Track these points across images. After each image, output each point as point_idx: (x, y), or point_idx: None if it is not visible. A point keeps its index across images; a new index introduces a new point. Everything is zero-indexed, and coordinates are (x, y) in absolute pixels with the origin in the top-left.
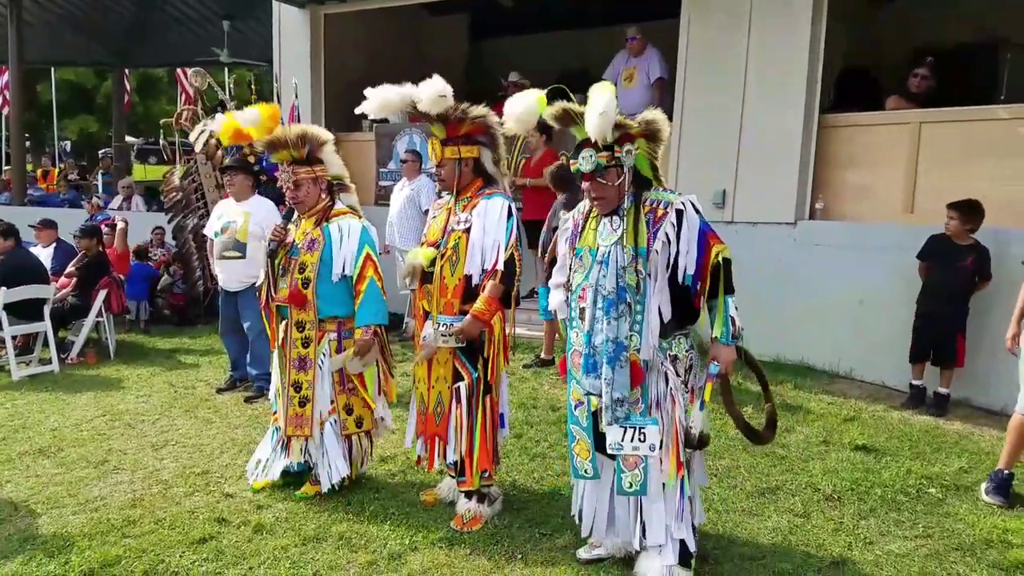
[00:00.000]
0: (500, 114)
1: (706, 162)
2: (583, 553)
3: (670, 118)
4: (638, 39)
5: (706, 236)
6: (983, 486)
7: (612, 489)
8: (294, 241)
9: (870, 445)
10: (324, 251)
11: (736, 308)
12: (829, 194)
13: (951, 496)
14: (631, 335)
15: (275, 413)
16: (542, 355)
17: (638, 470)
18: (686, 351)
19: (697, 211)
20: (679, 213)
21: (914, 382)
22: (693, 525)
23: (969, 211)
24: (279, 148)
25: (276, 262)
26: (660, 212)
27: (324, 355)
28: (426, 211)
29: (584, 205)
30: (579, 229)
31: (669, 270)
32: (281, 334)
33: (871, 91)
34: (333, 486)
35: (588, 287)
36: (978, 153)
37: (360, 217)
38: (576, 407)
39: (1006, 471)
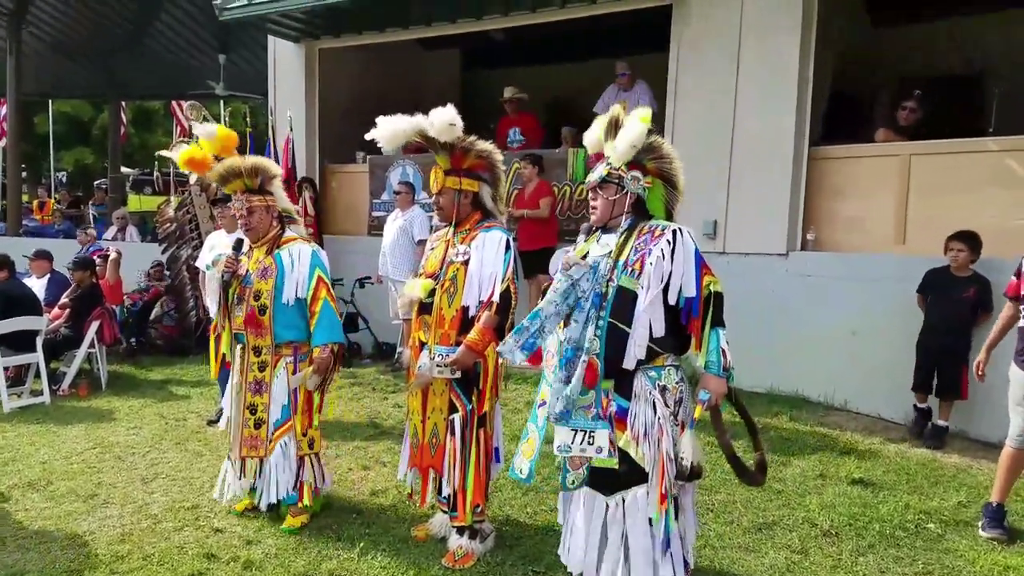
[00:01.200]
0: (503, 133)
1: (697, 193)
2: None
3: None
4: (628, 75)
5: (701, 264)
6: (980, 522)
7: (604, 524)
8: (247, 271)
9: (867, 479)
10: (277, 278)
11: (727, 343)
12: (820, 225)
13: (950, 531)
14: (594, 339)
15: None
16: None
17: (581, 470)
18: (676, 382)
19: (693, 239)
20: (675, 233)
21: (919, 405)
22: (685, 562)
23: (974, 242)
24: (233, 178)
25: (231, 292)
26: (657, 233)
27: (278, 376)
28: (419, 241)
29: (581, 235)
30: (580, 243)
31: (662, 286)
32: (237, 360)
33: (860, 121)
34: (272, 504)
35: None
36: (968, 185)
37: (309, 243)
38: (540, 406)
39: (995, 503)
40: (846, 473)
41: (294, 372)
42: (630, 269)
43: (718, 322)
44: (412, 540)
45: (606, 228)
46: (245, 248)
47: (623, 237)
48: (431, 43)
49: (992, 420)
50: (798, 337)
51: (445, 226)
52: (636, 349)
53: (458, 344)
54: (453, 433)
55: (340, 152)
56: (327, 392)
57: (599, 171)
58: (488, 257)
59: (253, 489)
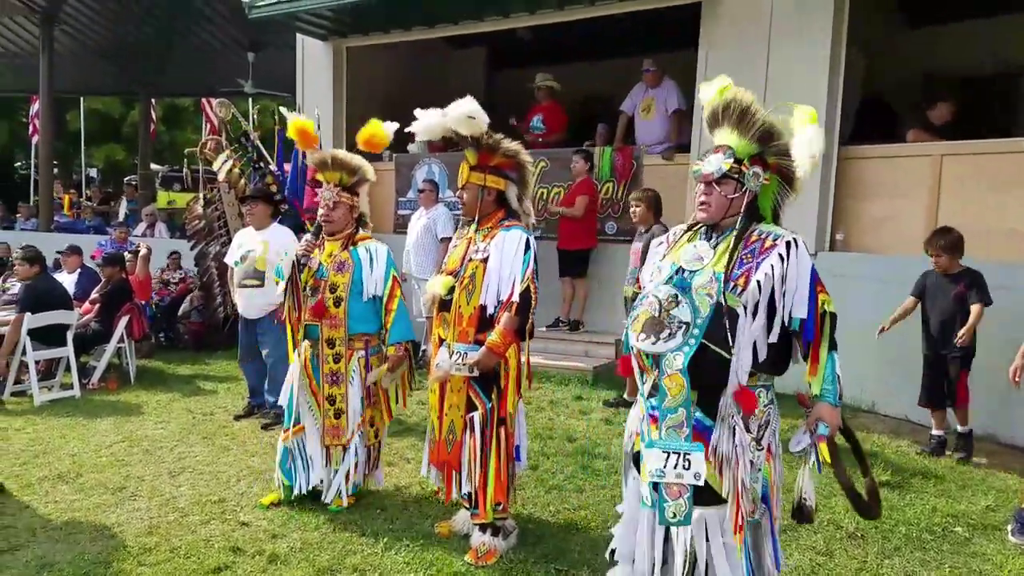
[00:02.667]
0: (528, 119)
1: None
2: None
3: (688, 149)
4: (653, 71)
5: (816, 281)
6: (1009, 526)
7: (667, 531)
8: (320, 263)
9: (894, 482)
10: (355, 272)
11: (840, 367)
12: (850, 226)
13: (978, 535)
14: (676, 355)
15: (287, 431)
16: (626, 395)
17: (682, 500)
18: (764, 405)
19: (808, 252)
20: (788, 245)
21: (934, 432)
22: None
23: (952, 248)
24: (336, 169)
25: (304, 281)
26: (768, 244)
27: (354, 371)
28: (443, 239)
29: (679, 229)
30: (674, 242)
31: (767, 306)
32: (307, 352)
33: (890, 121)
34: (352, 490)
35: (656, 294)
36: (1000, 186)
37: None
38: (642, 421)
39: None
40: (874, 475)
41: (366, 365)
42: (732, 284)
43: (833, 346)
44: (435, 536)
45: (709, 229)
46: (320, 238)
47: (728, 243)
48: (458, 42)
49: (1019, 423)
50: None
51: (469, 223)
52: (740, 375)
53: (477, 343)
54: (472, 431)
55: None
56: (406, 386)
57: (718, 163)
58: (507, 256)
59: (288, 485)
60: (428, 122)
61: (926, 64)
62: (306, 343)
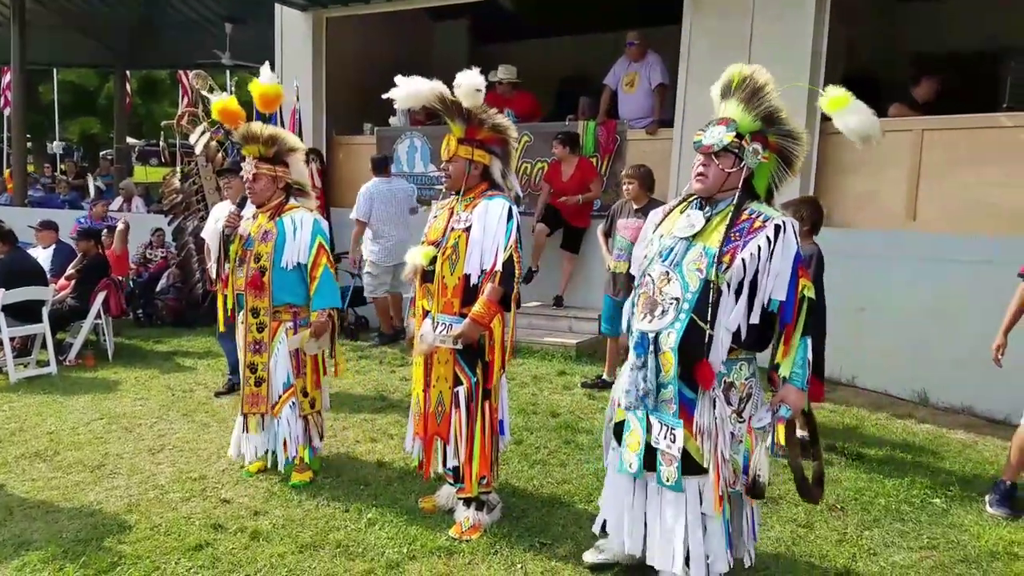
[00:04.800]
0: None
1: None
2: (589, 556)
3: (671, 124)
4: (637, 44)
5: (799, 265)
6: (987, 497)
7: (646, 497)
8: (249, 233)
9: (873, 454)
10: (277, 240)
11: (810, 352)
12: (831, 201)
13: (956, 507)
14: (669, 332)
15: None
16: (604, 375)
17: (674, 467)
18: (745, 379)
19: (797, 237)
20: (777, 228)
21: None
22: (746, 558)
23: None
24: (250, 142)
25: (232, 252)
26: (757, 224)
27: (280, 342)
28: (412, 209)
29: (673, 202)
30: (667, 214)
31: (750, 285)
32: (241, 322)
33: (873, 97)
34: (289, 460)
35: (650, 273)
36: (981, 161)
37: (311, 211)
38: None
39: (1008, 482)
40: (852, 448)
41: (294, 336)
42: (719, 261)
43: (807, 331)
44: (419, 511)
45: (702, 201)
46: (253, 212)
47: (721, 217)
48: (439, 13)
49: (997, 396)
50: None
51: (453, 194)
52: (719, 351)
53: (461, 314)
54: (458, 405)
55: (347, 123)
56: (336, 356)
57: (719, 135)
58: (490, 225)
59: (267, 452)
60: (416, 89)
61: (911, 40)
62: (242, 311)
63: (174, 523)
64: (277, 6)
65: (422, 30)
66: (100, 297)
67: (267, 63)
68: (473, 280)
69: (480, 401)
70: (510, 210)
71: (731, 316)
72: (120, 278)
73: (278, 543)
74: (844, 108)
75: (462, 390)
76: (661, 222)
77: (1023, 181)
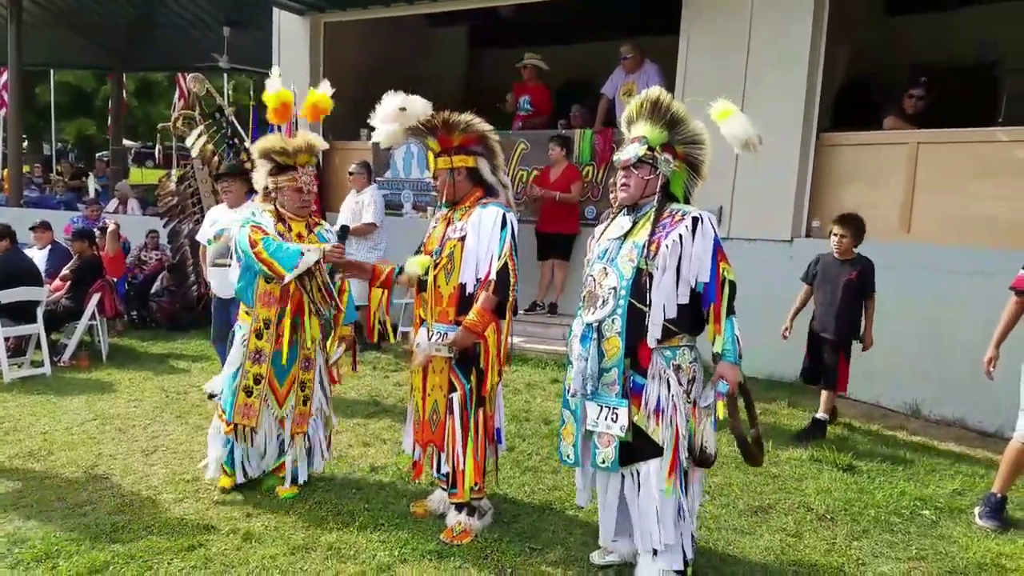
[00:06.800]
0: (515, 99)
1: (706, 178)
2: (596, 558)
3: None
4: (630, 57)
5: (719, 252)
6: (976, 510)
7: (621, 493)
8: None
9: (864, 465)
10: None
11: (739, 329)
12: (826, 213)
13: (945, 518)
14: (613, 318)
15: (230, 422)
16: None
17: (610, 448)
18: (689, 362)
19: (714, 227)
20: (695, 220)
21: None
22: (692, 535)
23: (857, 227)
24: (308, 152)
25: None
26: (677, 218)
27: (317, 355)
28: (368, 224)
29: (605, 216)
30: (603, 229)
31: (675, 269)
32: (282, 336)
33: (870, 109)
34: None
35: (592, 274)
36: (976, 175)
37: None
38: (569, 390)
39: (999, 495)
40: (843, 459)
41: (323, 348)
42: (646, 251)
43: (731, 311)
44: (411, 516)
45: (629, 208)
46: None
47: (646, 218)
48: (438, 20)
49: (989, 409)
50: (799, 324)
51: (447, 206)
52: (653, 329)
53: (457, 323)
54: (451, 412)
55: (344, 128)
56: (336, 365)
57: (634, 150)
58: (484, 234)
59: (231, 464)
60: (390, 130)
61: (908, 54)
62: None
63: (167, 524)
64: (275, 10)
65: (420, 35)
66: (95, 298)
67: (275, 67)
68: (469, 289)
69: (474, 408)
70: (504, 218)
71: (663, 294)
72: (115, 280)
73: (270, 544)
74: (728, 117)
75: (456, 397)
76: (599, 236)
77: (1018, 194)
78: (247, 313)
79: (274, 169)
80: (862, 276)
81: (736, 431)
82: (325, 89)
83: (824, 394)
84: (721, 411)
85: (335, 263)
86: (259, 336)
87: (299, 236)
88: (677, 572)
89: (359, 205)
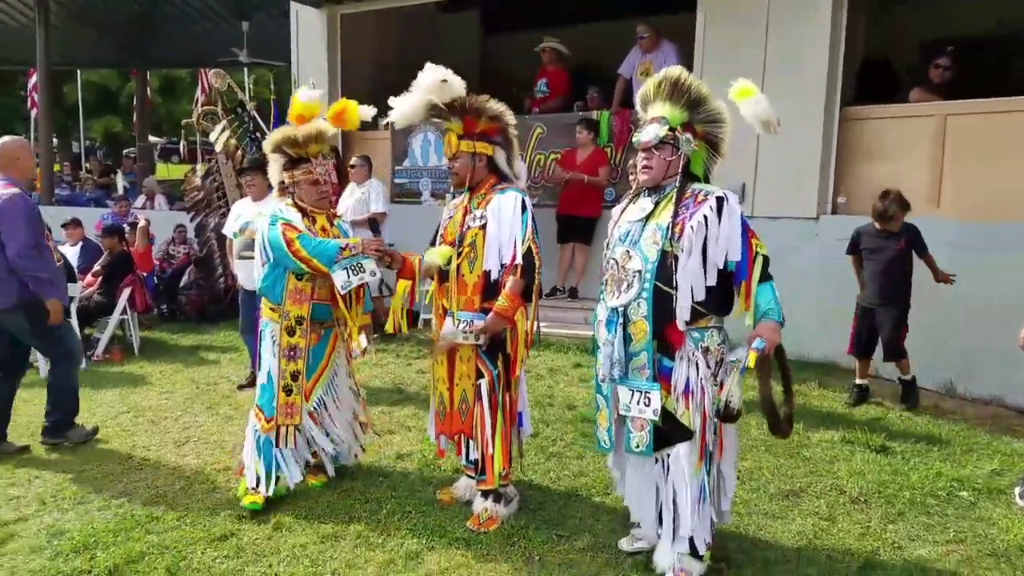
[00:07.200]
0: (534, 85)
1: (726, 155)
2: (625, 544)
3: None
4: (647, 37)
5: (747, 229)
6: (1016, 490)
7: (653, 479)
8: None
9: (897, 446)
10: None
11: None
12: (852, 188)
13: (983, 500)
14: (638, 302)
15: (270, 419)
16: None
17: (644, 432)
18: (718, 344)
19: (737, 204)
20: (719, 200)
21: (858, 381)
22: (712, 520)
23: (903, 203)
24: (320, 140)
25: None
26: (700, 198)
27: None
28: (376, 214)
29: (626, 198)
30: (623, 210)
31: (701, 251)
32: (327, 336)
33: (892, 82)
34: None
35: (614, 257)
36: (1005, 146)
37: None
38: (600, 376)
39: None
40: (876, 440)
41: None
42: (671, 233)
43: (765, 279)
44: (437, 503)
45: (650, 190)
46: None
47: (668, 199)
48: (449, 6)
49: None
50: (828, 302)
51: (461, 194)
52: (682, 311)
53: (483, 311)
54: (480, 398)
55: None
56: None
57: (655, 131)
58: (505, 219)
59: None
60: (405, 107)
61: (932, 26)
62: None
63: (199, 514)
64: (292, 3)
65: (433, 23)
66: (125, 293)
67: (311, 83)
68: (493, 276)
69: (502, 393)
70: (523, 202)
71: (690, 276)
72: (145, 274)
73: (300, 533)
74: (748, 98)
75: (484, 383)
76: (619, 218)
77: None
78: (272, 310)
79: (288, 163)
80: (911, 243)
81: (764, 394)
82: (308, 96)
83: (900, 363)
84: (751, 361)
85: (378, 255)
86: (291, 333)
87: (323, 230)
88: (696, 556)
89: (364, 197)
